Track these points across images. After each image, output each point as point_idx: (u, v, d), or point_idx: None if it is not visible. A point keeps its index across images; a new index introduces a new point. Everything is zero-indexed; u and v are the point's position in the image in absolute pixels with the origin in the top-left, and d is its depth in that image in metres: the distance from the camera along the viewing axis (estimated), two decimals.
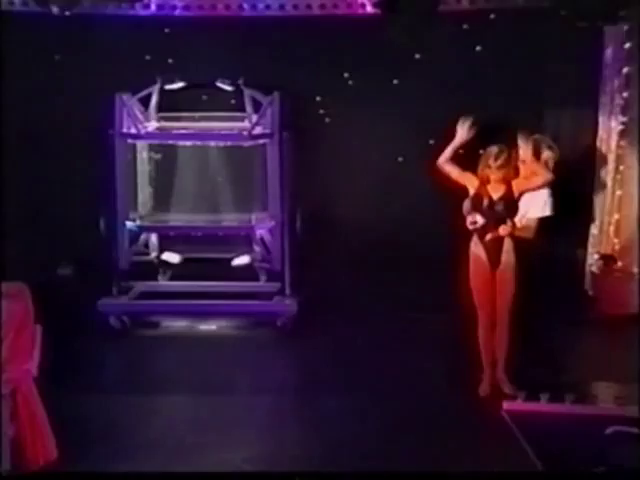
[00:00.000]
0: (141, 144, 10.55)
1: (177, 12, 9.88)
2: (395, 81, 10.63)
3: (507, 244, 7.70)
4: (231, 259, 10.33)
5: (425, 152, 10.38)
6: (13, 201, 10.30)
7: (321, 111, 10.81)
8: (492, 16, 9.98)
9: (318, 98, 10.78)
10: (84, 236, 10.00)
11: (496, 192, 7.72)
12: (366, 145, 10.53)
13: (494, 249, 7.70)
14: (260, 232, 10.36)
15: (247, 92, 10.24)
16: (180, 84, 10.31)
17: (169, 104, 10.36)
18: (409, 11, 9.33)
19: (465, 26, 10.24)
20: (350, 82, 10.68)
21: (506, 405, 7.51)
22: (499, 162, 7.64)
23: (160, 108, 10.38)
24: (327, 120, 10.82)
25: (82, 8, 9.11)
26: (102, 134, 10.04)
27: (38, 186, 10.54)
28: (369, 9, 9.73)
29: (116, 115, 10.10)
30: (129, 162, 10.39)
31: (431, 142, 10.43)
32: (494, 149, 7.73)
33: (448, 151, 7.90)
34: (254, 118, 10.19)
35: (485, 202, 7.70)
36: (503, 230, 7.66)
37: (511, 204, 7.72)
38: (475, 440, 6.96)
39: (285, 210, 10.22)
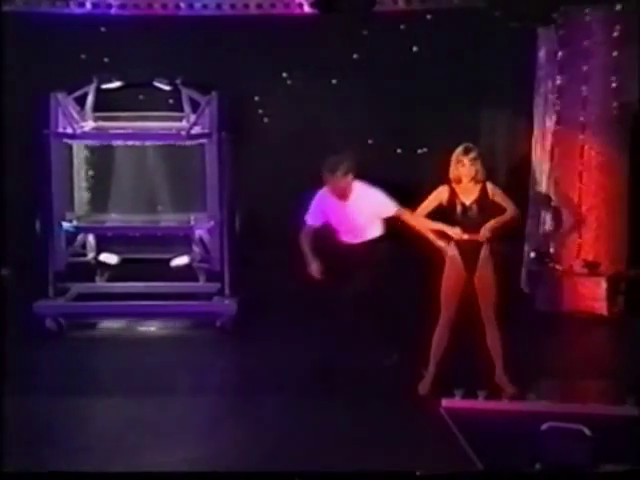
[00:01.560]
0: (77, 144, 10.42)
1: (113, 11, 9.90)
2: (334, 81, 10.76)
3: (485, 249, 7.49)
4: (170, 259, 10.28)
5: (363, 151, 10.49)
6: None
7: (259, 111, 10.92)
8: (428, 17, 10.10)
9: (256, 98, 10.89)
10: (20, 237, 9.87)
11: (468, 197, 7.51)
12: (304, 145, 10.54)
13: (471, 253, 7.50)
14: (199, 232, 10.31)
15: (185, 92, 10.16)
16: (117, 83, 10.22)
17: (106, 104, 10.25)
18: (346, 11, 9.41)
19: (402, 26, 10.35)
20: (289, 82, 10.81)
21: (445, 402, 7.45)
22: (470, 155, 7.42)
23: (96, 108, 10.26)
24: (265, 120, 10.93)
25: (15, 6, 8.99)
26: (37, 134, 9.86)
27: None
28: (307, 9, 9.86)
29: (51, 114, 9.93)
30: (65, 162, 10.26)
31: (370, 142, 10.51)
32: (462, 146, 7.55)
33: (421, 211, 7.69)
34: (192, 118, 10.11)
35: (458, 209, 7.50)
36: (481, 236, 7.45)
37: (485, 207, 7.51)
38: (414, 438, 6.89)
39: (224, 210, 10.16)
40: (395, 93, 10.43)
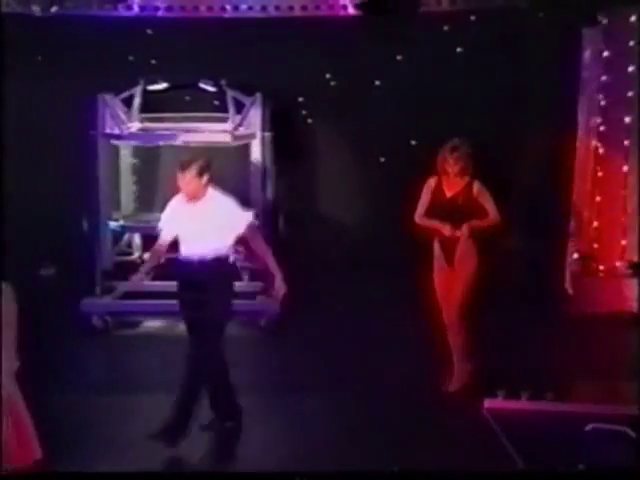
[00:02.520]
0: (124, 145, 10.48)
1: (160, 13, 10.00)
2: (377, 82, 10.72)
3: (463, 243, 7.40)
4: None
5: (407, 152, 10.47)
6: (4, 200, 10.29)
7: (303, 112, 10.92)
8: (472, 17, 10.05)
9: (300, 99, 10.88)
10: (67, 236, 9.95)
11: (452, 190, 7.47)
12: (348, 145, 10.61)
13: (451, 249, 7.46)
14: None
15: (230, 93, 10.19)
16: (163, 85, 10.29)
17: (152, 105, 10.32)
18: (390, 13, 9.42)
19: (445, 27, 10.30)
20: (332, 83, 10.78)
21: (487, 403, 7.37)
22: (455, 154, 7.36)
23: (143, 109, 10.32)
24: (309, 121, 10.92)
25: (64, 9, 9.09)
26: (85, 135, 9.93)
27: (20, 187, 10.47)
28: (351, 10, 9.88)
29: (99, 116, 9.99)
30: (112, 162, 10.33)
31: (413, 142, 10.48)
32: (450, 143, 7.46)
33: (420, 209, 7.60)
34: (237, 119, 10.11)
35: (441, 201, 7.47)
36: (460, 232, 7.36)
37: (466, 203, 7.43)
38: (456, 438, 6.84)
39: (268, 210, 10.17)
40: (438, 94, 10.38)
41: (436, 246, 7.51)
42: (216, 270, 6.79)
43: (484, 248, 7.55)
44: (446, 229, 7.37)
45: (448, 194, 7.45)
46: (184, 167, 6.71)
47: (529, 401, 7.39)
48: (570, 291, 10.30)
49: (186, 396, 6.78)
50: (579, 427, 6.22)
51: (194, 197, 6.79)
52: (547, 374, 7.81)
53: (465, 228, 7.35)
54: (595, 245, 10.19)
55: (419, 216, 7.57)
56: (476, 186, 7.42)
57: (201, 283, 6.72)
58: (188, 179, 6.69)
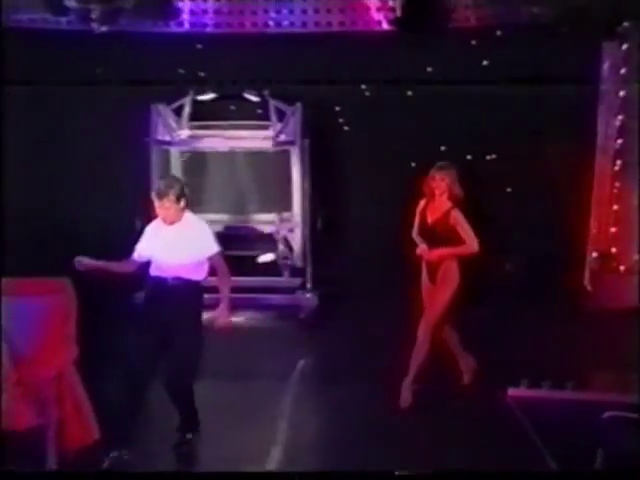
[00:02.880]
0: (174, 150, 10.57)
1: (208, 29, 9.93)
2: (409, 92, 10.70)
3: (444, 265, 7.32)
4: (257, 256, 10.38)
5: (436, 157, 10.47)
6: (61, 202, 10.47)
7: (340, 120, 10.91)
8: (498, 32, 9.95)
9: (337, 108, 10.89)
10: (123, 235, 10.06)
11: (433, 215, 7.40)
12: (381, 151, 10.58)
13: (435, 268, 7.37)
14: (283, 231, 10.36)
15: (272, 102, 10.30)
16: (210, 95, 10.41)
17: (200, 114, 10.43)
18: (422, 28, 9.36)
19: (473, 42, 10.23)
20: (367, 93, 10.77)
21: (511, 392, 7.49)
22: (441, 173, 7.36)
23: (192, 117, 10.44)
24: (345, 128, 10.92)
25: (121, 25, 9.15)
26: (139, 141, 10.15)
27: (79, 188, 10.66)
28: (385, 26, 9.74)
29: (152, 124, 10.20)
30: (163, 167, 10.42)
31: (442, 148, 10.51)
32: (438, 163, 7.49)
33: (415, 227, 7.61)
34: (278, 126, 10.25)
35: (423, 224, 7.46)
36: (430, 257, 7.33)
37: (442, 230, 7.31)
38: (481, 425, 6.98)
39: (306, 211, 10.28)
40: (466, 103, 10.35)
41: (424, 263, 7.47)
42: (183, 290, 6.56)
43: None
44: (421, 248, 7.38)
45: (429, 219, 7.41)
46: (162, 195, 6.44)
47: (550, 390, 7.49)
48: (589, 288, 10.33)
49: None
50: (597, 415, 6.25)
51: (172, 221, 6.57)
52: (567, 365, 7.88)
53: (433, 253, 7.31)
54: (613, 249, 10.19)
55: (414, 233, 7.59)
56: (453, 214, 7.29)
57: (168, 302, 6.52)
58: (167, 205, 6.46)
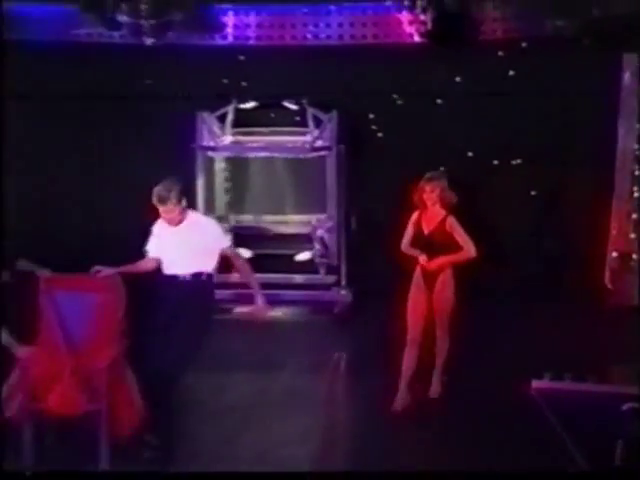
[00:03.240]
0: (218, 155, 10.67)
1: (250, 42, 9.90)
2: (438, 100, 10.71)
3: (443, 273, 7.12)
4: (294, 255, 10.45)
5: (464, 162, 10.50)
6: (110, 200, 10.61)
7: (373, 127, 10.91)
8: (523, 44, 9.91)
9: (371, 115, 10.88)
10: None
11: (429, 225, 7.16)
12: (412, 156, 10.48)
13: (430, 276, 7.13)
14: (319, 231, 10.40)
15: (310, 110, 10.36)
16: (252, 104, 10.47)
17: (242, 121, 10.49)
18: (451, 40, 9.31)
19: (500, 53, 10.23)
20: (399, 102, 10.77)
21: (534, 384, 7.50)
22: (432, 184, 7.10)
23: (235, 124, 10.50)
24: (379, 134, 10.92)
25: (169, 38, 9.19)
26: (186, 147, 10.22)
27: (132, 188, 10.57)
28: (416, 38, 9.63)
29: (197, 131, 10.30)
30: (208, 170, 10.55)
31: (469, 154, 10.52)
32: (428, 174, 7.21)
33: (405, 239, 7.31)
34: (315, 133, 10.32)
35: (419, 235, 7.18)
36: (431, 266, 7.08)
37: (441, 238, 7.08)
38: (506, 415, 7.00)
39: (341, 213, 10.33)
40: (493, 111, 10.38)
41: (418, 271, 7.20)
42: (195, 289, 6.38)
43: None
44: (422, 258, 7.11)
45: (426, 230, 7.17)
46: (164, 199, 6.25)
47: (572, 382, 7.50)
48: (610, 286, 10.31)
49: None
50: (616, 406, 6.26)
51: (177, 222, 6.40)
52: (588, 359, 7.90)
53: (434, 263, 7.08)
54: (634, 256, 10.15)
55: (404, 245, 7.30)
56: (449, 221, 7.09)
57: (180, 299, 6.34)
58: (170, 208, 6.27)
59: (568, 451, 6.34)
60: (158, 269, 6.49)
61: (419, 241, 7.19)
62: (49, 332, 6.31)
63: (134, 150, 10.62)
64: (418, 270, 7.19)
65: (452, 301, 7.16)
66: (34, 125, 10.67)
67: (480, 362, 7.99)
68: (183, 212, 6.39)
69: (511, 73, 10.40)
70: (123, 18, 8.89)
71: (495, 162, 10.79)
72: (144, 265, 6.54)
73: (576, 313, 9.17)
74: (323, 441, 6.70)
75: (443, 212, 7.11)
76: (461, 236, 7.05)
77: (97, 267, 6.33)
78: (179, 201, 6.31)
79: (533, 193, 10.70)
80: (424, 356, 7.25)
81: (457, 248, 7.07)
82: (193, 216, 6.57)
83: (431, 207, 7.11)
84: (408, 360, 7.20)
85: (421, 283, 7.19)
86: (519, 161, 10.77)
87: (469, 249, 7.05)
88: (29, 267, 6.51)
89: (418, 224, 7.20)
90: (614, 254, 10.34)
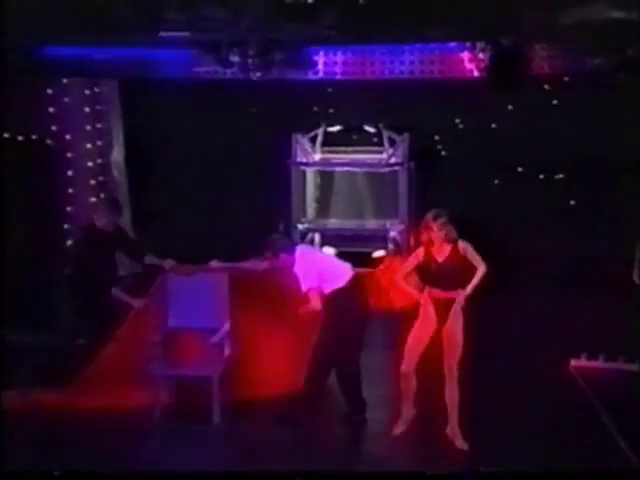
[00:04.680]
0: (309, 170, 10.84)
1: (337, 77, 9.88)
2: (493, 125, 10.73)
3: (457, 304, 5.95)
4: (371, 252, 10.54)
5: (514, 176, 10.48)
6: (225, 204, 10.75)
7: (438, 146, 10.96)
8: (566, 78, 9.86)
9: (436, 137, 10.95)
10: (267, 235, 10.20)
11: (441, 255, 5.99)
12: (470, 171, 10.58)
13: (443, 307, 5.98)
14: (392, 233, 10.54)
15: (385, 133, 10.51)
16: (338, 127, 10.65)
17: (330, 141, 10.66)
18: (505, 75, 9.29)
19: (546, 86, 10.22)
20: (460, 126, 10.82)
21: (573, 362, 7.46)
22: (439, 221, 5.97)
23: (323, 144, 10.67)
24: (443, 153, 10.96)
25: (272, 74, 9.32)
26: (282, 163, 10.44)
27: (235, 197, 10.89)
28: (476, 73, 9.51)
29: (292, 149, 10.51)
30: (300, 182, 10.72)
31: (519, 169, 10.50)
32: (432, 212, 6.06)
33: (403, 271, 6.21)
34: (390, 151, 10.45)
35: (433, 267, 6.00)
36: (460, 295, 5.94)
37: (457, 264, 5.97)
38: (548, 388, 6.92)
39: (411, 218, 10.33)
40: (539, 134, 10.31)
41: (427, 304, 6.02)
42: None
43: None
44: (423, 298, 6.03)
45: (439, 259, 5.99)
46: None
47: (605, 361, 7.48)
48: (637, 282, 10.13)
49: None
50: None
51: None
52: (619, 341, 7.78)
53: (465, 292, 5.96)
54: None
55: (400, 277, 6.19)
56: (461, 245, 6.00)
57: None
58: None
59: (599, 415, 6.34)
60: None
61: (433, 274, 6.03)
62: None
63: (243, 163, 10.78)
64: (428, 300, 6.03)
65: (462, 337, 5.95)
66: (168, 142, 10.84)
67: (524, 344, 7.94)
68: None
69: (554, 102, 10.39)
70: (234, 58, 8.92)
71: (541, 176, 10.77)
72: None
73: (609, 304, 8.99)
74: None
75: (452, 242, 6.02)
76: (474, 256, 5.98)
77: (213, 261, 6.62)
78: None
79: (572, 202, 10.65)
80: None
81: (473, 271, 5.99)
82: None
83: (439, 242, 6.00)
84: (406, 385, 6.14)
85: (431, 313, 6.02)
86: (561, 175, 10.74)
87: (481, 267, 5.97)
88: (155, 260, 6.79)
89: (428, 257, 6.02)
90: None
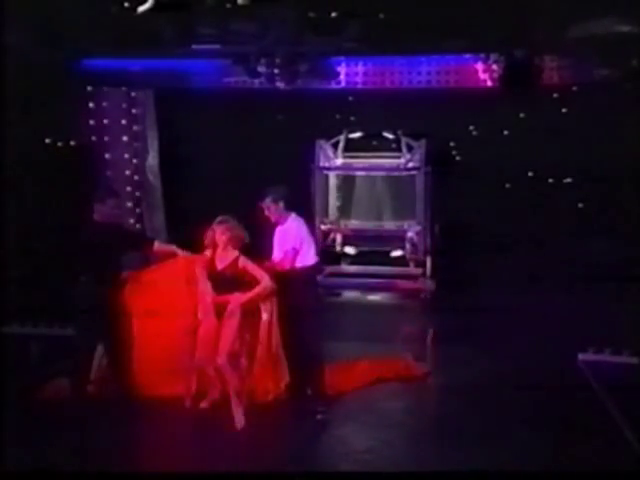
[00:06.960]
0: (332, 174, 10.93)
1: (358, 86, 9.98)
2: (505, 132, 10.73)
3: (230, 307, 6.06)
4: (390, 252, 10.65)
5: (525, 181, 10.50)
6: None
7: (453, 152, 10.99)
8: (574, 88, 9.87)
9: (452, 143, 10.98)
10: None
11: (222, 263, 6.14)
12: (484, 175, 10.56)
13: (220, 309, 6.11)
14: (410, 234, 10.59)
15: (403, 139, 10.57)
16: (359, 134, 10.70)
17: (351, 147, 10.70)
18: (517, 84, 9.37)
19: (555, 95, 10.20)
20: (474, 133, 10.87)
21: (581, 356, 7.44)
22: (222, 226, 6.10)
23: (345, 150, 10.72)
24: (457, 158, 10.99)
25: (297, 84, 9.38)
26: (306, 167, 10.54)
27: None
28: (489, 83, 9.61)
29: (316, 155, 10.60)
30: (323, 185, 10.81)
31: (530, 174, 10.54)
32: (218, 218, 6.17)
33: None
34: (408, 156, 10.51)
35: (212, 273, 6.16)
36: (233, 303, 6.05)
37: (235, 274, 6.09)
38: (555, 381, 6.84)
39: (427, 219, 10.46)
40: (548, 140, 10.26)
41: (209, 304, 6.16)
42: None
43: None
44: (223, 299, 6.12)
45: (219, 266, 6.13)
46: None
47: (611, 355, 7.48)
48: None
49: None
50: None
51: (278, 222, 6.31)
52: (625, 336, 7.69)
53: (237, 301, 6.07)
54: None
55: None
56: (241, 259, 6.09)
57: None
58: (267, 207, 6.22)
59: (604, 403, 6.34)
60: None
61: (212, 279, 6.15)
62: None
63: (270, 166, 10.62)
64: (209, 303, 6.16)
65: (237, 330, 6.06)
66: (200, 148, 10.79)
67: (535, 339, 7.93)
68: (282, 212, 6.33)
69: (564, 110, 10.37)
70: (262, 69, 9.12)
71: (550, 180, 10.77)
72: None
73: (616, 300, 8.84)
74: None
75: (235, 252, 6.12)
76: (255, 270, 6.09)
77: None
78: (274, 202, 6.24)
79: (580, 205, 10.64)
80: None
81: (252, 283, 6.10)
82: (294, 217, 6.40)
83: (222, 247, 6.12)
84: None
85: (212, 314, 6.14)
86: (569, 179, 10.75)
87: (265, 281, 6.08)
88: (163, 246, 6.68)
89: (211, 263, 6.15)
90: None
